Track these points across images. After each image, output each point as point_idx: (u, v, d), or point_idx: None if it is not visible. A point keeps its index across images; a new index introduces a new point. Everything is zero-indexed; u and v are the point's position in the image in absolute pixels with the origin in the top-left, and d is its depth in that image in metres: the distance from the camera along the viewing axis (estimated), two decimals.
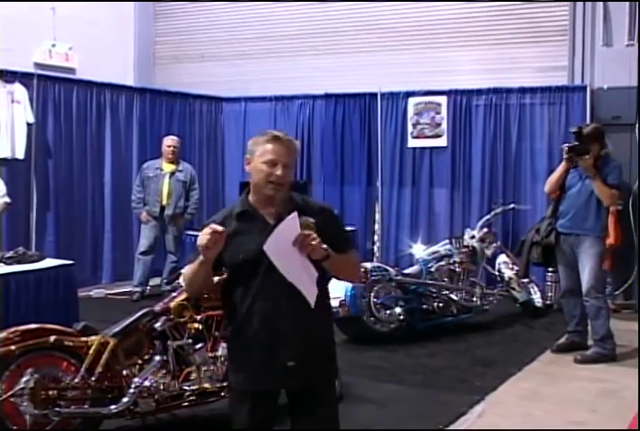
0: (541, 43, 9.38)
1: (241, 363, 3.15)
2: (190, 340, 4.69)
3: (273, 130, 3.19)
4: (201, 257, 2.97)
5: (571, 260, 6.49)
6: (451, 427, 4.91)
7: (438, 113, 9.69)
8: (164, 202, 8.92)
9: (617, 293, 8.53)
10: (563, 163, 6.49)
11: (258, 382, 3.10)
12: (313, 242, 2.87)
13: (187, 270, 3.15)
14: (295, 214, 2.88)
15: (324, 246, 2.93)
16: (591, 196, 6.31)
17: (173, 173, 8.99)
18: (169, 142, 9.05)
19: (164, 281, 8.97)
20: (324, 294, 3.12)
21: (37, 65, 9.72)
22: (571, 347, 6.63)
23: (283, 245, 2.87)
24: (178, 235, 9.10)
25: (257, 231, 3.02)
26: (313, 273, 2.94)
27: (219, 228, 2.91)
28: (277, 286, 2.98)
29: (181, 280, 4.96)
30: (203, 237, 2.89)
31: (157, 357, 4.60)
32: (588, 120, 8.74)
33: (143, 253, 8.97)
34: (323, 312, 3.15)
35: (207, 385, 4.69)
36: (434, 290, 7.36)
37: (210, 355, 4.76)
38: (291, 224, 2.87)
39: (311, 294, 2.94)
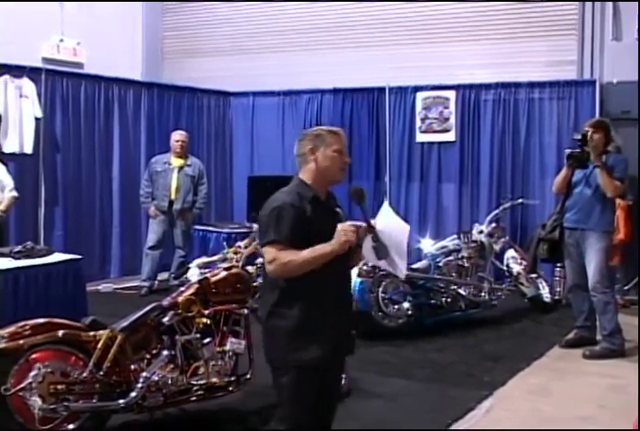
0: (550, 37, 9.34)
1: (318, 338, 3.30)
2: (198, 335, 4.69)
3: (323, 126, 3.56)
4: (334, 248, 3.18)
5: (577, 255, 6.47)
6: (460, 422, 4.90)
7: (446, 108, 9.67)
8: (173, 197, 8.92)
9: (626, 288, 8.50)
10: (565, 168, 6.49)
11: (336, 351, 3.38)
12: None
13: (296, 258, 3.20)
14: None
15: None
16: (596, 191, 6.30)
17: (181, 168, 8.98)
18: (177, 136, 9.05)
19: (172, 276, 8.97)
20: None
21: (45, 59, 9.75)
22: (579, 343, 6.61)
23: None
24: (186, 230, 9.10)
25: (326, 215, 3.34)
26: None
27: (362, 224, 3.27)
28: (342, 267, 3.38)
29: (188, 274, 4.99)
30: (351, 234, 3.18)
31: (165, 352, 4.60)
32: (597, 115, 8.71)
33: (151, 248, 8.97)
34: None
35: (215, 380, 4.70)
36: (442, 285, 7.35)
37: (218, 349, 4.76)
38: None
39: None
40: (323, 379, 3.37)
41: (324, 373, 3.38)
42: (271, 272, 3.27)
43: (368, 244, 3.33)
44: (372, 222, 3.32)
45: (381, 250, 3.30)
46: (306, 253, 3.20)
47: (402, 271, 3.42)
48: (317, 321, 3.30)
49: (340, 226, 3.21)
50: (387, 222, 3.34)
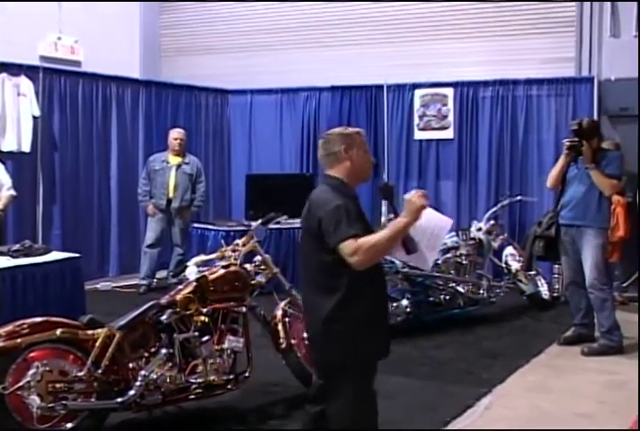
0: (548, 34, 9.33)
1: (376, 335, 3.44)
2: (196, 333, 4.69)
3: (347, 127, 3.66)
4: (407, 221, 3.32)
5: (573, 252, 6.47)
6: (458, 419, 4.90)
7: (444, 105, 9.66)
8: (171, 195, 8.92)
9: (624, 285, 8.50)
10: (562, 158, 6.48)
11: (387, 348, 3.54)
12: None
13: (380, 239, 3.27)
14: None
15: None
16: (591, 187, 6.29)
17: (179, 166, 8.98)
18: (175, 134, 9.04)
19: (171, 274, 8.96)
20: None
21: (42, 58, 9.71)
22: (578, 340, 6.61)
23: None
24: (184, 228, 9.09)
25: (361, 211, 3.46)
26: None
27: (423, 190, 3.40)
28: (381, 267, 3.53)
29: (187, 273, 4.99)
30: (423, 199, 3.33)
31: (164, 350, 4.59)
32: (595, 112, 8.73)
33: (149, 246, 8.97)
34: None
35: (213, 378, 4.69)
36: (441, 282, 7.35)
37: (217, 347, 4.76)
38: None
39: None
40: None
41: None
42: (357, 263, 3.24)
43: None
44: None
45: (411, 244, 3.38)
46: (386, 232, 3.30)
47: (428, 265, 3.60)
48: (377, 318, 3.45)
49: (408, 196, 3.34)
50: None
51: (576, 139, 6.27)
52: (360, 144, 3.52)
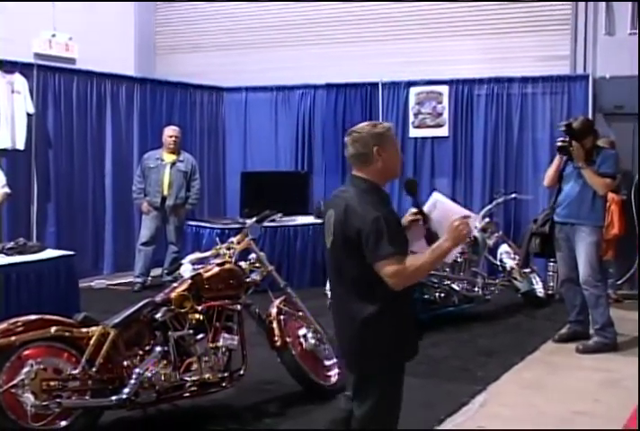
0: (543, 32, 9.32)
1: (407, 335, 3.39)
2: (191, 331, 4.68)
3: (379, 122, 3.60)
4: (449, 246, 3.20)
5: (568, 250, 6.48)
6: (453, 417, 4.90)
7: (439, 103, 9.66)
8: (165, 192, 8.90)
9: (619, 282, 8.52)
10: (557, 157, 6.50)
11: (415, 351, 3.46)
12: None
13: (422, 261, 3.22)
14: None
15: None
16: (586, 185, 6.31)
17: (173, 164, 8.96)
18: (170, 132, 9.02)
19: (165, 272, 8.94)
20: None
21: (37, 55, 9.69)
22: (573, 337, 6.62)
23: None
24: (179, 226, 9.08)
25: (398, 217, 3.34)
26: None
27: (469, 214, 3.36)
28: None
29: (181, 270, 4.98)
30: (468, 227, 3.22)
31: (158, 348, 4.59)
32: (590, 110, 8.73)
33: (144, 244, 8.95)
34: None
35: (208, 376, 4.68)
36: (436, 280, 7.34)
37: (211, 345, 4.75)
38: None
39: None
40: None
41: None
42: (395, 285, 3.18)
43: (419, 233, 3.41)
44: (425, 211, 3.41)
45: (434, 237, 3.36)
46: (428, 255, 3.22)
47: (451, 257, 3.49)
48: (409, 321, 3.40)
49: (454, 223, 3.21)
50: (440, 210, 3.40)
51: (565, 139, 6.28)
52: (392, 142, 3.36)
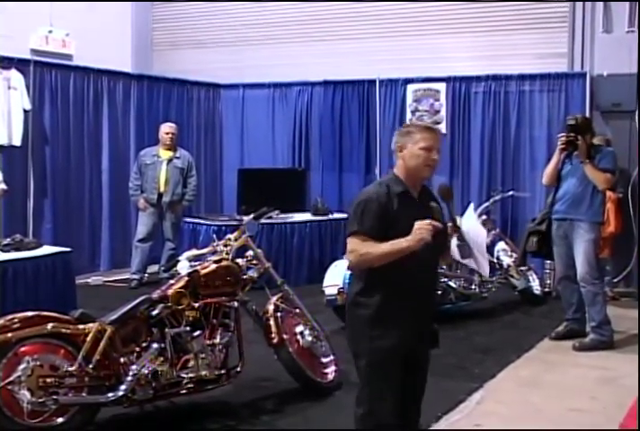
0: (541, 30, 9.31)
1: (395, 329, 3.43)
2: (187, 328, 4.67)
3: (419, 122, 3.56)
4: (410, 245, 3.26)
5: (566, 247, 6.48)
6: (450, 414, 4.90)
7: (437, 100, 9.65)
8: (162, 189, 8.89)
9: (616, 280, 8.52)
10: (556, 154, 6.52)
11: (417, 342, 3.53)
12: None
13: (373, 251, 3.33)
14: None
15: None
16: (585, 182, 6.33)
17: (170, 160, 8.95)
18: (167, 129, 9.01)
19: (162, 268, 8.94)
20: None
21: (33, 51, 9.65)
22: (570, 335, 6.62)
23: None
24: (176, 222, 9.07)
25: (416, 210, 3.40)
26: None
27: (438, 224, 3.30)
28: (427, 262, 3.45)
29: (178, 267, 4.97)
30: (426, 232, 3.24)
31: (155, 345, 4.58)
32: (587, 107, 8.73)
33: (141, 240, 8.94)
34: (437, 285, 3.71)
35: (205, 373, 4.68)
36: None
37: (208, 342, 4.75)
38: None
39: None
40: (406, 370, 3.53)
41: (408, 364, 3.53)
42: (349, 262, 3.46)
43: (453, 242, 3.51)
44: (458, 221, 3.46)
45: (465, 249, 3.44)
46: (384, 247, 3.32)
47: (485, 271, 3.56)
48: (396, 310, 3.43)
49: (417, 224, 3.28)
50: (471, 223, 3.46)
51: (572, 134, 6.29)
52: (419, 141, 3.46)
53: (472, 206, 3.59)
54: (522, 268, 8.06)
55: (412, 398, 3.67)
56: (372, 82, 9.97)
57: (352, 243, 3.38)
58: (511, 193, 8.72)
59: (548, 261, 8.19)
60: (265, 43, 10.91)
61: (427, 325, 3.59)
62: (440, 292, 7.33)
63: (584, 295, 6.43)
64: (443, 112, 9.62)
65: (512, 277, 8.08)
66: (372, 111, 10.02)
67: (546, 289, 8.34)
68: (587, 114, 8.41)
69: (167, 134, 8.97)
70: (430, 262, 3.53)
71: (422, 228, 3.26)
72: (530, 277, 8.25)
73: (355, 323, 3.52)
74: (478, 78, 9.45)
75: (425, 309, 3.57)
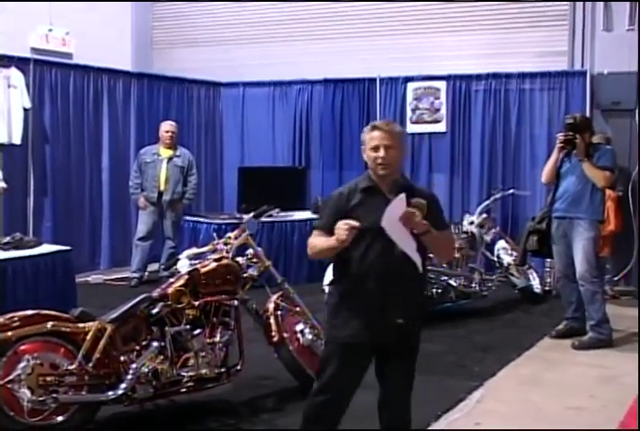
0: (541, 28, 9.32)
1: (351, 318, 3.55)
2: (188, 326, 4.67)
3: (376, 121, 3.74)
4: (334, 243, 3.40)
5: (565, 246, 6.48)
6: (450, 413, 4.90)
7: (437, 98, 9.65)
8: (162, 188, 8.89)
9: (616, 279, 8.53)
10: (555, 152, 6.52)
11: (370, 335, 3.54)
12: (416, 219, 3.35)
13: (315, 245, 3.58)
14: (403, 195, 3.36)
15: (425, 222, 3.40)
16: (584, 180, 6.33)
17: (170, 159, 8.95)
18: (167, 127, 9.01)
19: (162, 267, 8.94)
20: (424, 263, 3.58)
21: (33, 49, 9.65)
22: (569, 333, 6.62)
23: (394, 221, 3.34)
24: (176, 221, 9.07)
25: (377, 204, 3.45)
26: (413, 244, 3.41)
27: (355, 224, 3.34)
28: (390, 254, 3.44)
29: (178, 266, 4.97)
30: (342, 233, 3.32)
31: (155, 343, 4.58)
32: (588, 106, 8.73)
33: (141, 239, 8.94)
34: (421, 278, 3.65)
35: (205, 371, 4.68)
36: (433, 276, 7.33)
37: (208, 341, 4.75)
38: (399, 203, 3.35)
39: (418, 261, 3.43)
40: (382, 364, 3.64)
41: (382, 357, 3.63)
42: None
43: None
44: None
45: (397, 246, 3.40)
46: (321, 243, 3.53)
47: (418, 266, 3.45)
48: (356, 302, 3.54)
49: (337, 224, 3.37)
50: (391, 217, 3.37)
51: (571, 133, 6.29)
52: (368, 141, 3.60)
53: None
54: (522, 267, 8.06)
55: (395, 394, 3.69)
56: (372, 80, 9.97)
57: (311, 237, 3.64)
58: (511, 191, 8.72)
59: (549, 260, 8.20)
60: (265, 42, 10.90)
61: (392, 319, 3.52)
62: (440, 290, 7.36)
63: (583, 294, 6.43)
64: (443, 110, 9.62)
65: (512, 275, 8.08)
66: (372, 110, 10.01)
67: (547, 288, 8.34)
68: (587, 112, 8.43)
69: (167, 132, 8.96)
70: (397, 258, 3.44)
71: (339, 228, 3.35)
72: (530, 276, 8.25)
73: (327, 313, 3.70)
74: (479, 76, 9.45)
75: (393, 303, 3.52)
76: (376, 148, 3.55)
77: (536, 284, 8.23)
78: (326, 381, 3.60)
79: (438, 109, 9.64)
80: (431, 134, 9.74)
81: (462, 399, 5.14)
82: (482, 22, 9.63)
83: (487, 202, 8.41)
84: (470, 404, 5.08)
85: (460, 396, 5.18)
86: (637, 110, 8.54)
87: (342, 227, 3.33)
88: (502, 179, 9.25)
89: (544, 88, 9.14)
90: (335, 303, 3.64)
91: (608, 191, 6.97)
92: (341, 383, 3.59)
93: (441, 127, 9.66)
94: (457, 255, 7.60)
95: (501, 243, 8.26)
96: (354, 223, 3.35)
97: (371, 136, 3.58)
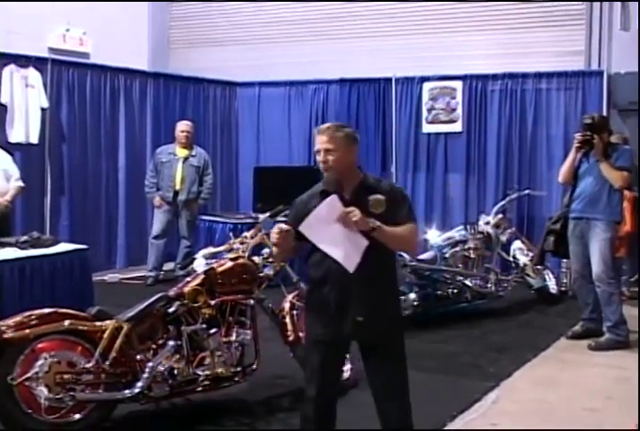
0: (558, 27, 9.29)
1: (317, 317, 3.66)
2: (204, 325, 4.68)
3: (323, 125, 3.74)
4: (275, 249, 3.65)
5: (582, 246, 6.46)
6: (465, 413, 4.89)
7: (453, 98, 9.63)
8: (178, 187, 8.92)
9: (632, 280, 8.48)
10: (572, 152, 6.49)
11: (332, 333, 3.60)
12: (354, 218, 3.34)
13: (274, 250, 3.78)
14: (334, 196, 3.41)
15: (371, 220, 3.39)
16: (602, 181, 6.30)
17: (186, 158, 8.98)
18: (183, 127, 9.03)
19: (178, 266, 8.97)
20: (389, 260, 3.70)
21: (51, 49, 9.72)
22: (586, 334, 6.59)
23: (323, 223, 3.35)
24: (192, 220, 9.09)
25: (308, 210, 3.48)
26: (361, 243, 3.38)
27: (285, 227, 3.45)
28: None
29: (195, 265, 4.99)
30: (274, 236, 3.45)
31: (171, 342, 4.60)
32: (604, 106, 8.68)
33: (156, 237, 8.98)
34: (388, 276, 3.71)
35: (220, 370, 4.69)
36: (449, 276, 7.34)
37: (224, 340, 4.76)
38: (331, 205, 3.37)
39: (349, 262, 3.40)
40: (328, 353, 3.67)
41: (330, 349, 3.65)
42: None
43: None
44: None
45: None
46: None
47: (348, 268, 3.43)
48: (320, 301, 3.63)
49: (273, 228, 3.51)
50: (321, 219, 3.40)
51: (588, 133, 6.26)
52: (315, 145, 3.66)
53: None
54: (539, 267, 8.03)
55: (383, 394, 3.72)
56: (388, 80, 9.95)
57: None
58: (527, 192, 8.70)
59: (565, 260, 8.16)
60: (281, 41, 10.92)
61: (352, 317, 3.55)
62: (456, 290, 7.35)
63: (600, 295, 6.40)
64: (459, 110, 9.60)
65: (528, 275, 8.06)
66: (388, 109, 10.01)
67: (563, 288, 8.31)
68: (604, 112, 8.39)
69: (183, 132, 8.99)
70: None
71: (272, 232, 3.48)
72: (547, 276, 8.22)
73: None
74: (495, 76, 9.43)
75: (353, 302, 3.54)
76: (318, 151, 3.63)
77: (552, 284, 8.21)
78: (308, 376, 3.70)
79: (454, 109, 9.63)
80: (446, 134, 9.72)
81: (478, 399, 5.13)
82: (498, 22, 9.61)
83: (503, 202, 8.39)
84: (486, 405, 5.07)
85: (476, 396, 5.17)
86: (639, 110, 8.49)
87: (274, 231, 3.45)
88: (518, 179, 9.22)
89: (560, 88, 9.10)
90: (306, 303, 3.87)
91: (625, 192, 6.93)
92: (320, 378, 3.65)
93: (457, 126, 9.64)
94: (472, 255, 7.60)
95: (517, 244, 8.24)
96: (285, 226, 3.46)
97: (315, 140, 3.67)
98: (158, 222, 9.03)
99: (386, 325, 3.68)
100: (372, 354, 3.68)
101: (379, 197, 3.47)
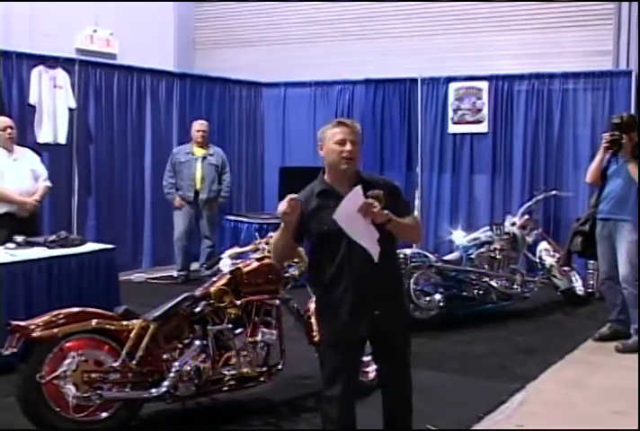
0: (586, 27, 9.23)
1: (334, 318, 3.67)
2: (229, 325, 4.69)
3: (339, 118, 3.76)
4: (282, 224, 3.60)
5: (609, 247, 6.40)
6: (491, 415, 4.87)
7: (479, 98, 9.60)
8: (198, 186, 8.96)
9: None
10: (600, 152, 6.43)
11: (352, 331, 3.63)
12: (375, 209, 3.40)
13: (273, 239, 3.85)
14: (359, 187, 3.45)
15: (386, 212, 3.45)
16: (630, 181, 6.23)
17: (204, 157, 9.02)
18: (198, 126, 9.09)
19: (204, 266, 8.99)
20: (393, 253, 3.82)
21: (78, 50, 9.80)
22: (613, 336, 6.54)
23: (350, 213, 3.41)
24: (213, 219, 9.15)
25: (335, 205, 3.47)
26: (375, 234, 3.47)
27: (295, 196, 3.52)
28: (359, 254, 3.52)
29: (220, 265, 5.00)
30: (282, 205, 3.48)
31: (197, 342, 4.62)
32: (633, 106, 8.61)
33: (180, 239, 9.04)
34: (395, 270, 3.84)
35: (246, 370, 4.70)
36: (474, 277, 7.31)
37: (250, 340, 4.77)
38: (356, 195, 3.42)
39: (374, 251, 3.48)
40: (345, 353, 3.69)
41: (346, 349, 3.67)
42: None
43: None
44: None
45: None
46: (273, 239, 3.85)
47: (373, 257, 3.49)
48: (333, 304, 3.65)
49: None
50: (347, 210, 3.44)
51: (617, 133, 6.21)
52: (333, 136, 3.62)
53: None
54: (565, 269, 7.98)
55: (391, 393, 3.82)
56: (414, 80, 9.93)
57: None
58: (553, 192, 8.64)
59: (592, 261, 8.10)
60: (307, 41, 10.94)
61: (369, 312, 3.61)
62: (481, 291, 7.32)
63: (626, 297, 6.35)
64: (485, 111, 9.57)
65: (555, 277, 8.00)
66: (414, 110, 9.99)
67: (589, 290, 8.24)
68: (632, 112, 8.31)
69: (199, 131, 9.04)
70: (365, 256, 3.51)
71: (280, 204, 3.52)
72: (573, 278, 8.17)
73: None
74: (521, 76, 9.38)
75: (368, 299, 3.61)
76: (342, 142, 3.59)
77: (578, 286, 8.15)
78: (330, 377, 3.69)
79: (480, 110, 9.59)
80: (472, 134, 9.69)
81: (504, 401, 5.11)
82: (525, 22, 9.57)
83: (529, 203, 8.34)
84: (512, 406, 5.04)
85: (502, 398, 5.14)
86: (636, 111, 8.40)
87: (284, 201, 3.48)
88: (545, 180, 9.17)
89: (588, 88, 9.04)
90: (318, 307, 3.88)
91: None
92: (345, 378, 3.66)
93: (483, 127, 9.60)
94: (498, 256, 7.57)
95: (543, 245, 8.19)
96: (293, 195, 3.52)
97: (337, 131, 3.62)
98: (180, 223, 9.07)
99: (401, 316, 3.81)
100: (384, 351, 3.78)
101: (378, 191, 3.53)
